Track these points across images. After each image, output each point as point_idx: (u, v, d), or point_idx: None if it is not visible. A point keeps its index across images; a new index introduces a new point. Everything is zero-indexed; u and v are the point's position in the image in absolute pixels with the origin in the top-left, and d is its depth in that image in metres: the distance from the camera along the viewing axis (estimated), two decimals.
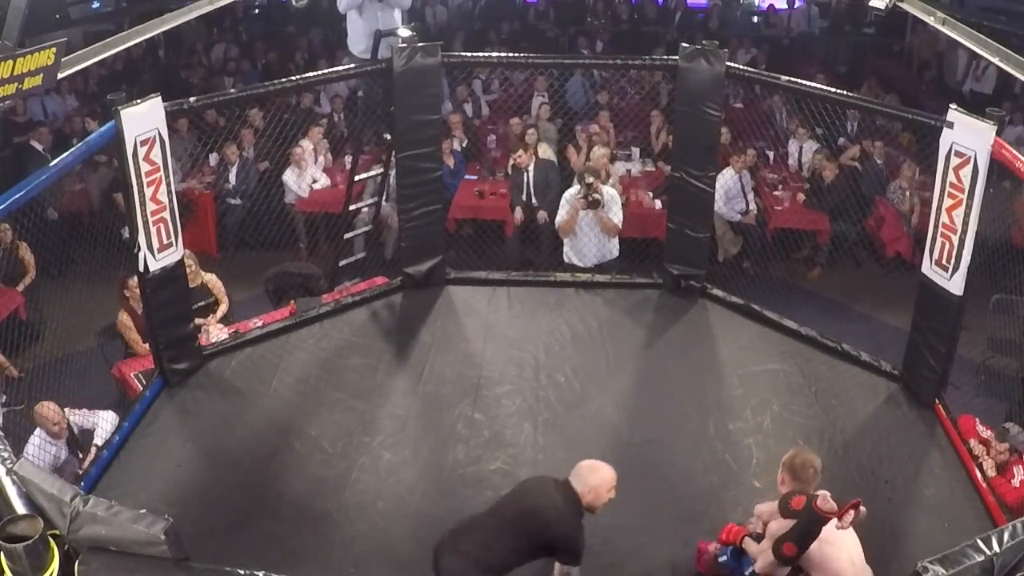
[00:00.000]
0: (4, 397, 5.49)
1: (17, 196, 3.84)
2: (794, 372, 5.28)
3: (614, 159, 7.97)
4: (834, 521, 3.23)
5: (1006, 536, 2.58)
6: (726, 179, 7.46)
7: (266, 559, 3.84)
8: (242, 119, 7.80)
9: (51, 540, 2.50)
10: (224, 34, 13.02)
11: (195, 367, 5.22)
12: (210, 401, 5.05)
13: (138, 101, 4.46)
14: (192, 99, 5.03)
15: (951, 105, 4.44)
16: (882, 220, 7.75)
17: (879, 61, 12.66)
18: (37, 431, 4.73)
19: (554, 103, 8.79)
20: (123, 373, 5.54)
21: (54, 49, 3.60)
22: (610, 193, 6.21)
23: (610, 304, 5.98)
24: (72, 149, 4.32)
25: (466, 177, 8.23)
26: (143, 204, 4.57)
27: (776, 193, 8.04)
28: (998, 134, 4.18)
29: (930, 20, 4.57)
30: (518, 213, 7.60)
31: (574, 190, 6.16)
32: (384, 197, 6.80)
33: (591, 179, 6.03)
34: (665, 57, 6.52)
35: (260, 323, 5.75)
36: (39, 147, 8.44)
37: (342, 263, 6.49)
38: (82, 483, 4.25)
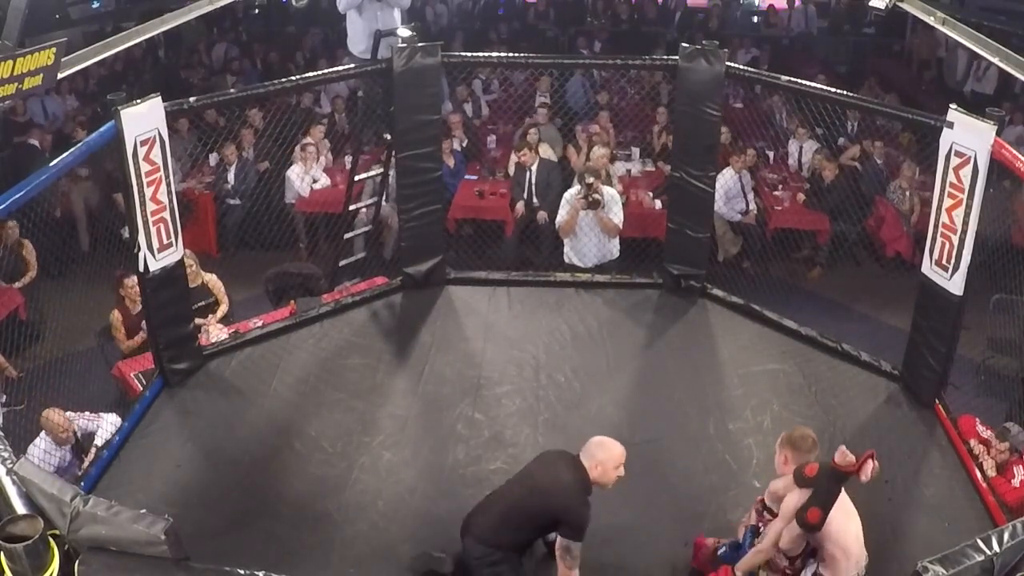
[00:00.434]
0: (4, 397, 5.49)
1: (17, 196, 3.83)
2: (794, 372, 5.28)
3: (614, 159, 7.97)
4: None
5: (1006, 536, 2.58)
6: (726, 179, 7.46)
7: (266, 559, 3.85)
8: (242, 119, 7.79)
9: (51, 540, 2.49)
10: (224, 34, 13.03)
11: (195, 367, 5.22)
12: (210, 401, 5.04)
13: (138, 101, 4.45)
14: (192, 99, 5.02)
15: (951, 105, 4.44)
16: (882, 220, 7.75)
17: (879, 61, 12.68)
18: (42, 435, 4.73)
19: (554, 103, 8.78)
20: (123, 373, 5.54)
21: (54, 49, 3.59)
22: (610, 193, 6.21)
23: (610, 304, 5.97)
24: (72, 149, 4.32)
25: (466, 177, 8.23)
26: (143, 204, 4.57)
27: (776, 193, 8.04)
28: (998, 134, 4.18)
29: (930, 20, 4.57)
30: (519, 207, 7.59)
31: (574, 190, 6.16)
32: (384, 197, 6.79)
33: (591, 179, 6.02)
34: (665, 57, 6.52)
35: (260, 323, 5.75)
36: (38, 146, 8.44)
37: (342, 263, 6.48)
38: (82, 483, 4.24)
